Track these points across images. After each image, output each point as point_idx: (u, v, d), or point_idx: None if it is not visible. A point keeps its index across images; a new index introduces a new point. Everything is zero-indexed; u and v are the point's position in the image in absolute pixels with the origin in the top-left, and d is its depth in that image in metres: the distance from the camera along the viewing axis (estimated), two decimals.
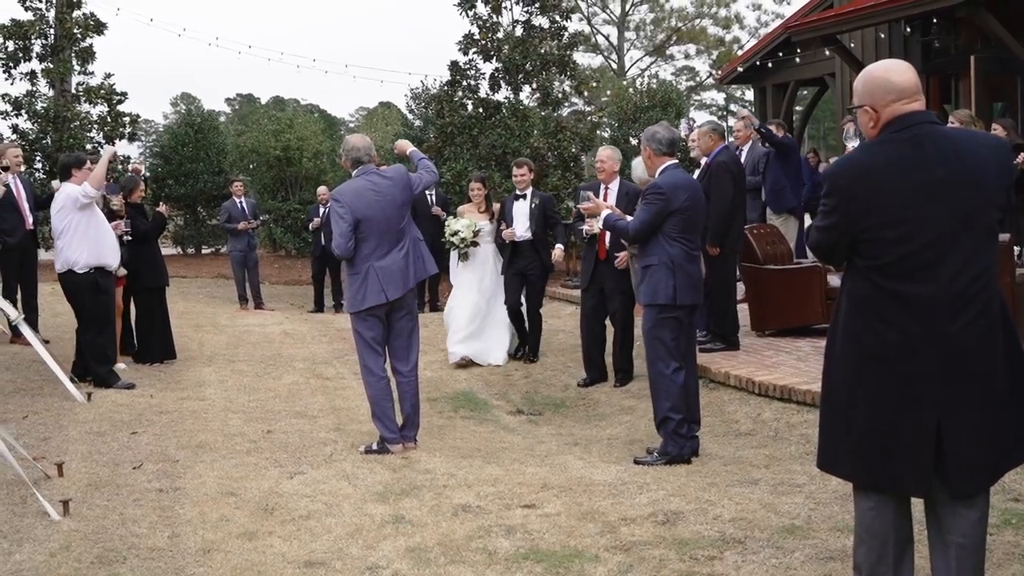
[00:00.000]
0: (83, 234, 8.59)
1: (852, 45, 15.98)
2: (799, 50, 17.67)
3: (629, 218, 6.65)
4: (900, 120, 3.41)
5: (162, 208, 10.17)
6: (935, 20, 14.73)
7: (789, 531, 4.78)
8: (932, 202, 3.32)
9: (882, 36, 15.72)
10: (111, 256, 8.81)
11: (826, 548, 4.52)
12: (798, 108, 23.77)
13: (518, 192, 10.27)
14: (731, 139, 12.41)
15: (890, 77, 3.45)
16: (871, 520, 3.52)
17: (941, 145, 3.38)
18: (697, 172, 9.04)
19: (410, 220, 6.96)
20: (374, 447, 6.73)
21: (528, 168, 10.33)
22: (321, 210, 15.72)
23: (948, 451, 3.35)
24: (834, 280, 8.86)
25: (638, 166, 8.77)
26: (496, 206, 10.63)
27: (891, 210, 3.34)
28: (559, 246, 10.13)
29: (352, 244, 6.64)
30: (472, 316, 10.29)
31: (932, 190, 3.33)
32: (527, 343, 10.38)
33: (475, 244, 10.34)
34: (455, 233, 10.30)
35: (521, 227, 10.07)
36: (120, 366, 9.63)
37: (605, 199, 8.48)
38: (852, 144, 9.03)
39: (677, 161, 6.60)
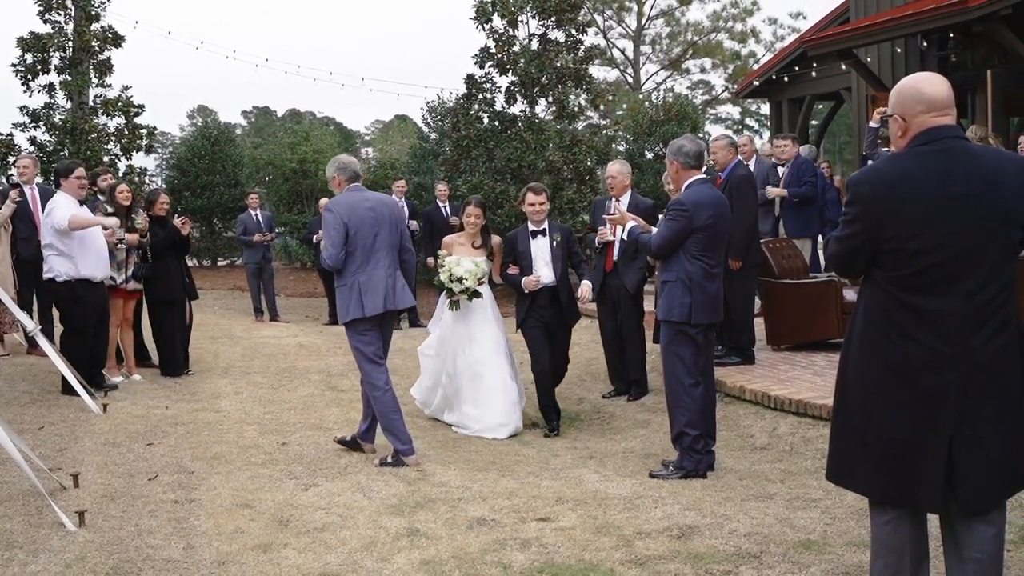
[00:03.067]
0: (64, 247, 8.68)
1: (868, 59, 15.95)
2: (815, 64, 17.64)
3: (655, 230, 6.62)
4: (928, 133, 3.41)
5: (177, 221, 10.10)
6: (951, 35, 14.69)
7: (805, 546, 4.75)
8: (955, 217, 3.32)
9: (898, 51, 15.69)
10: (93, 268, 8.79)
11: (842, 563, 4.50)
12: (814, 122, 23.73)
13: (533, 227, 8.28)
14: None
15: (922, 88, 3.45)
16: (888, 535, 3.50)
17: (967, 161, 3.37)
18: None
19: (401, 247, 6.97)
20: (389, 460, 6.73)
21: (547, 196, 8.40)
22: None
23: (960, 467, 3.34)
24: (850, 294, 8.84)
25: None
26: (495, 239, 8.53)
27: (914, 222, 3.34)
28: (586, 283, 8.27)
29: (343, 254, 6.66)
30: (472, 378, 8.20)
31: (956, 205, 3.32)
32: (552, 418, 8.34)
33: (478, 295, 8.20)
34: (459, 280, 8.08)
35: (545, 272, 8.21)
36: (136, 377, 9.70)
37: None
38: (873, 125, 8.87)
39: (704, 176, 6.57)
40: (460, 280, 8.05)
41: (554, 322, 8.26)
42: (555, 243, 8.20)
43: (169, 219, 10.18)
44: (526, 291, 8.14)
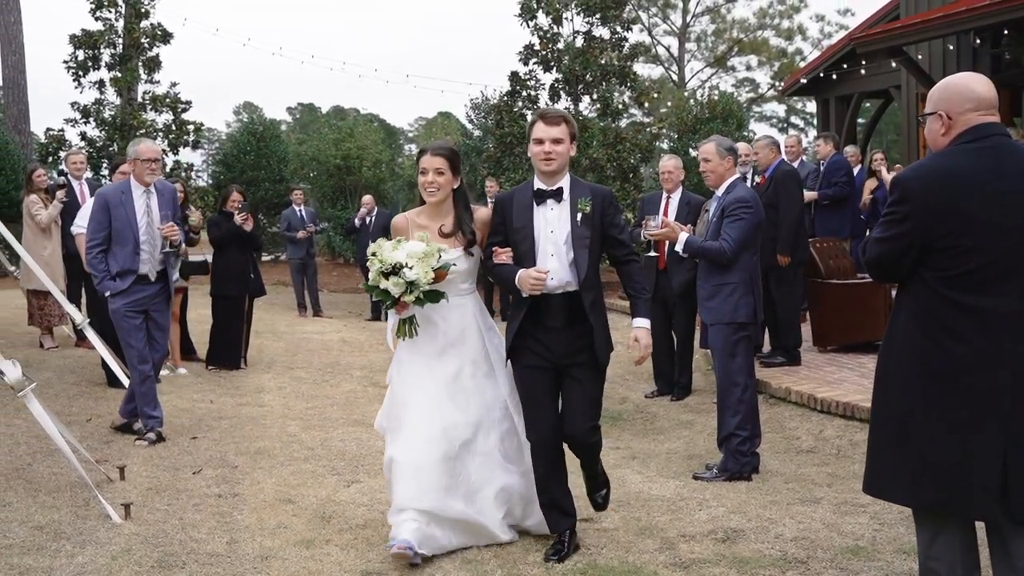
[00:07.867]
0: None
1: (919, 57, 15.70)
2: (864, 62, 17.40)
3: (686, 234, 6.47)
4: (976, 130, 3.38)
5: (238, 218, 10.22)
6: (1006, 31, 14.43)
7: (853, 552, 4.68)
8: (1007, 213, 3.28)
9: (950, 48, 15.43)
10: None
11: (892, 571, 4.42)
12: (861, 120, 23.43)
13: (541, 183, 4.72)
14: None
15: (972, 86, 3.43)
16: (938, 547, 3.42)
17: (1016, 157, 3.35)
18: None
19: None
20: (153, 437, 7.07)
21: (570, 132, 4.70)
22: (367, 218, 15.89)
23: (1012, 474, 3.26)
24: None
25: None
26: (480, 213, 4.91)
27: (969, 218, 3.28)
28: (643, 326, 4.83)
29: None
30: (444, 455, 4.68)
31: (1008, 202, 3.29)
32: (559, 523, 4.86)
33: (436, 298, 4.61)
34: (396, 270, 4.53)
35: (555, 264, 4.65)
36: (181, 371, 9.78)
37: (666, 211, 8.40)
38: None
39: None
40: (396, 270, 4.52)
41: (567, 358, 4.70)
42: (579, 216, 4.65)
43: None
44: (524, 294, 4.65)
